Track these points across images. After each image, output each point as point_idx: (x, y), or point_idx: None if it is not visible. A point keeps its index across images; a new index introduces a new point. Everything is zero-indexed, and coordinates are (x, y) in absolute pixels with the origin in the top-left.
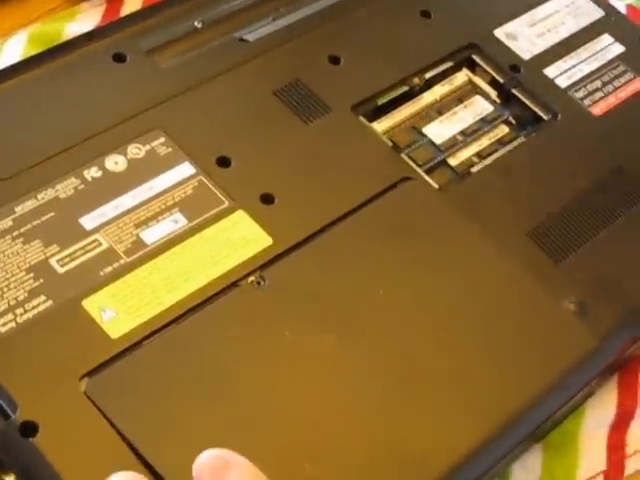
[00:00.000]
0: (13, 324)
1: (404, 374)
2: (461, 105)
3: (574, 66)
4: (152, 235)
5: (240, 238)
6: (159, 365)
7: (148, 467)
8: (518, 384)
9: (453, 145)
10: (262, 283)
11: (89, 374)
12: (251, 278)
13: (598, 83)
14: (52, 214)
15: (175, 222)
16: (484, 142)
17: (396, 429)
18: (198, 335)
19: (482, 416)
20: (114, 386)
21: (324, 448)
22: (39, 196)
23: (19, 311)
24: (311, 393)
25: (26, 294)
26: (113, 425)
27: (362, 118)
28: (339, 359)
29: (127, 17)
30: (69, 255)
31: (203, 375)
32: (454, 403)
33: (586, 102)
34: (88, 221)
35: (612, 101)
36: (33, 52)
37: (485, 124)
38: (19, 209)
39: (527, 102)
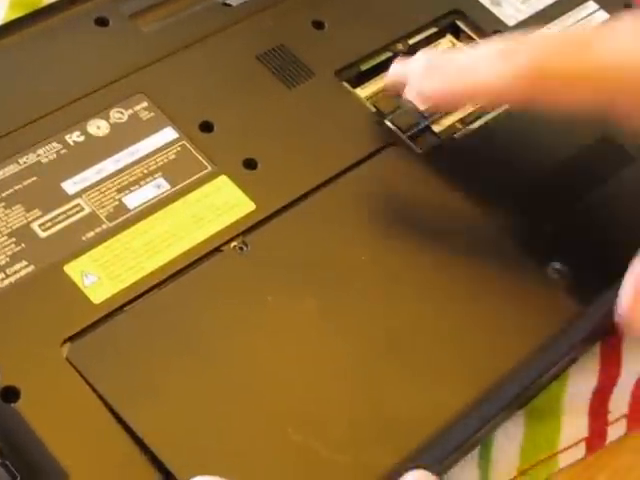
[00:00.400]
0: None
1: (387, 339)
2: None
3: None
4: (134, 200)
5: (223, 203)
6: (141, 330)
7: (129, 431)
8: (502, 350)
9: (437, 111)
10: (245, 249)
11: (71, 339)
12: (234, 243)
13: None
14: (34, 179)
15: (158, 187)
16: (468, 108)
17: (379, 395)
18: (180, 300)
19: (465, 382)
20: (96, 351)
21: (307, 414)
22: (20, 160)
23: (0, 276)
24: (294, 358)
25: (7, 259)
26: (95, 390)
27: (345, 84)
28: (322, 324)
29: None
30: (51, 220)
31: (185, 340)
32: (437, 369)
33: None
34: (70, 186)
35: None
36: (14, 17)
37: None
38: (0, 174)
39: None
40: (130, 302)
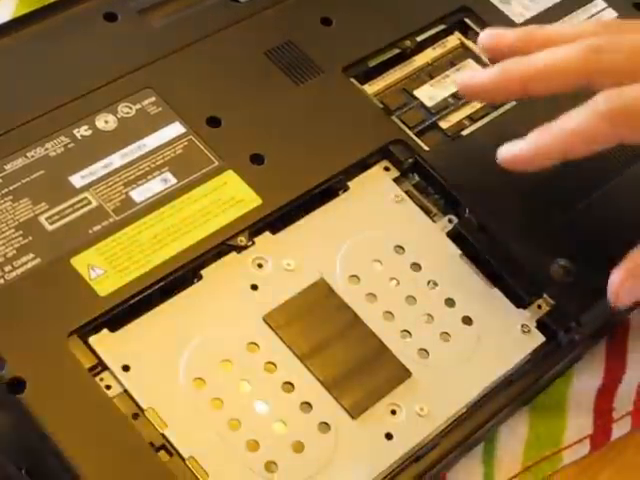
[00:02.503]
0: (1, 281)
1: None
2: (453, 68)
3: None
4: (141, 194)
5: (229, 198)
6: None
7: (136, 417)
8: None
9: (444, 108)
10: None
11: (77, 331)
12: (240, 238)
13: None
14: (42, 172)
15: (165, 181)
16: (475, 105)
17: None
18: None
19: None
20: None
21: None
22: (29, 154)
23: (7, 268)
24: None
25: (15, 251)
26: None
27: (353, 80)
28: None
29: None
30: (58, 213)
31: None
32: None
33: None
34: (77, 179)
35: None
36: (24, 12)
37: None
38: (8, 167)
39: None
40: (136, 295)
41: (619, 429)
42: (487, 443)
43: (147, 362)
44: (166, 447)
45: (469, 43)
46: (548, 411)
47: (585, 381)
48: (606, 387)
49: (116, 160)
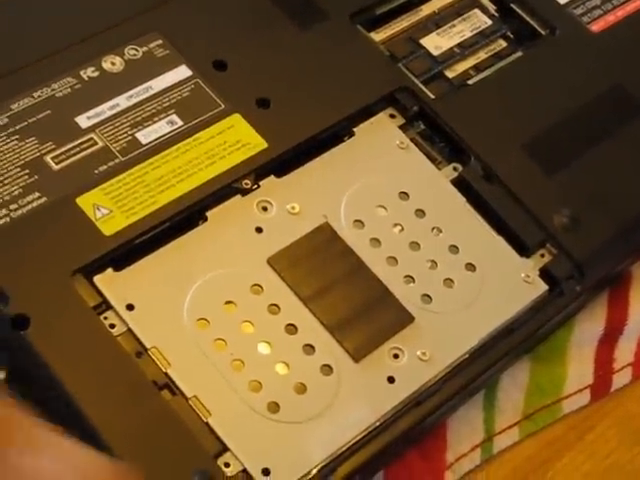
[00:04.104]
0: (7, 219)
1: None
2: (459, 18)
3: None
4: (147, 135)
5: (235, 141)
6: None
7: (139, 356)
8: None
9: (450, 57)
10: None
11: (81, 270)
12: (245, 181)
13: (597, 1)
14: (48, 112)
15: (171, 123)
16: (481, 55)
17: None
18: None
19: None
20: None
21: None
22: (35, 94)
23: (13, 206)
24: None
25: (21, 190)
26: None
27: (360, 27)
28: None
29: None
30: (64, 153)
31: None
32: None
33: (585, 19)
34: (84, 120)
35: (611, 19)
36: None
37: (483, 38)
38: (15, 107)
39: (525, 17)
40: (141, 235)
41: (619, 380)
42: (488, 391)
43: (151, 302)
44: (169, 386)
45: None
46: (549, 360)
47: (586, 331)
48: (607, 338)
49: (122, 102)
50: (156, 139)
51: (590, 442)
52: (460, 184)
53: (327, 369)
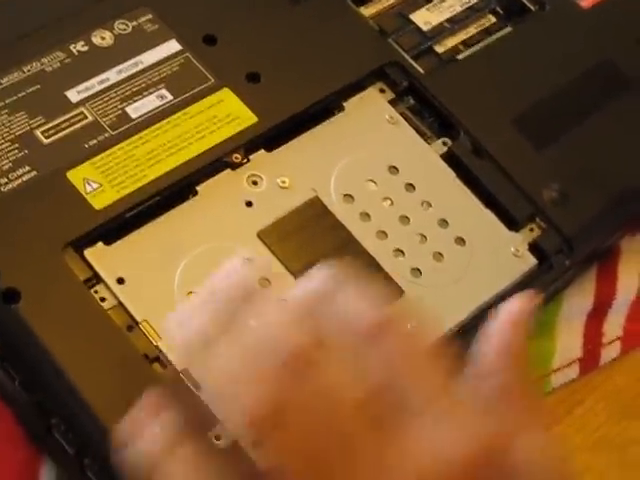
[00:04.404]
0: None
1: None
2: None
3: None
4: (137, 110)
5: (225, 115)
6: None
7: (130, 329)
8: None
9: (440, 32)
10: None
11: (72, 244)
12: (235, 155)
13: None
14: (38, 86)
15: (161, 98)
16: (471, 30)
17: None
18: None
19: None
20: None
21: None
22: (25, 68)
23: (3, 180)
24: None
25: (10, 164)
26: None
27: (349, 2)
28: None
29: None
30: (54, 127)
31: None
32: None
33: None
34: (74, 94)
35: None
36: None
37: (472, 12)
38: (4, 81)
39: None
40: (131, 209)
41: (608, 354)
42: None
43: (142, 275)
44: (160, 359)
45: None
46: (538, 334)
47: (575, 305)
48: (596, 312)
49: (112, 76)
50: (146, 113)
51: (579, 416)
52: (449, 159)
53: None
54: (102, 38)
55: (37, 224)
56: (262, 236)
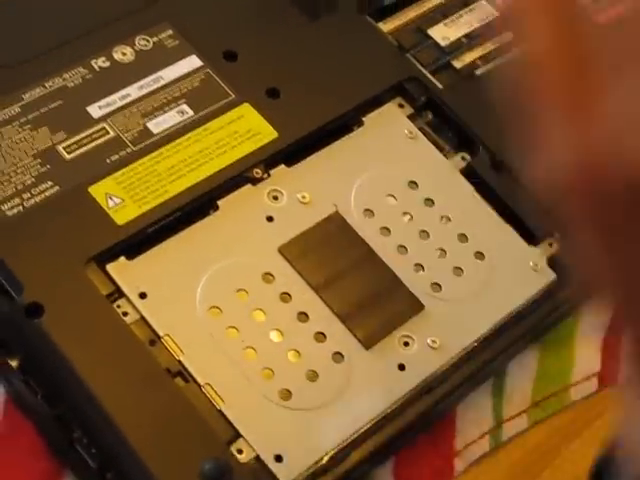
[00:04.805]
0: (20, 208)
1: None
2: (467, 9)
3: None
4: (158, 125)
5: (246, 131)
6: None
7: (153, 344)
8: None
9: (458, 48)
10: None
11: (94, 258)
12: (256, 170)
13: None
14: (60, 102)
15: (181, 113)
16: (488, 46)
17: None
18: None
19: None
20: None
21: None
22: (47, 84)
23: (26, 195)
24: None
25: (33, 179)
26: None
27: (368, 18)
28: None
29: None
30: (76, 142)
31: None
32: None
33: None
34: (95, 110)
35: (619, 10)
36: None
37: (490, 29)
38: (27, 96)
39: None
40: (153, 224)
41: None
42: (497, 378)
43: (164, 290)
44: (182, 373)
45: None
46: (557, 348)
47: (594, 319)
48: (615, 326)
49: (133, 92)
50: (167, 129)
51: (598, 429)
52: (468, 173)
53: (338, 357)
54: (123, 54)
55: (60, 239)
56: (283, 251)
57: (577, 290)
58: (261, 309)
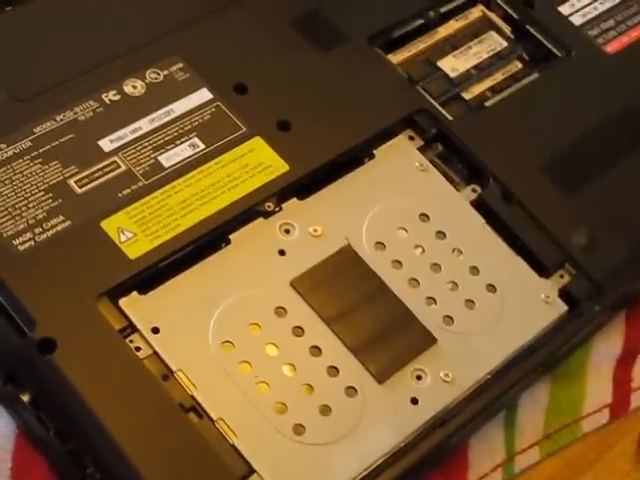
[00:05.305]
0: (32, 243)
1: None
2: (475, 40)
3: (588, 4)
4: (170, 159)
5: (257, 164)
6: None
7: (166, 379)
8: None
9: (467, 79)
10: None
11: (107, 293)
12: (268, 203)
13: (612, 22)
14: (71, 136)
15: (193, 147)
16: (498, 77)
17: None
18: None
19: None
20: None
21: None
22: (58, 118)
23: (38, 230)
24: None
25: (45, 214)
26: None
27: (378, 49)
28: None
29: None
30: (88, 176)
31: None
32: None
33: (600, 40)
34: (107, 143)
35: (625, 40)
36: None
37: (499, 59)
38: (38, 130)
39: (541, 38)
40: (166, 258)
41: (638, 399)
42: (508, 410)
43: (176, 324)
44: (195, 409)
45: (491, 15)
46: (568, 380)
47: (605, 351)
48: (625, 357)
49: (144, 125)
50: (178, 162)
51: (610, 461)
52: (479, 205)
53: (351, 391)
54: (134, 87)
55: (72, 274)
56: (295, 284)
57: None
58: (274, 343)
